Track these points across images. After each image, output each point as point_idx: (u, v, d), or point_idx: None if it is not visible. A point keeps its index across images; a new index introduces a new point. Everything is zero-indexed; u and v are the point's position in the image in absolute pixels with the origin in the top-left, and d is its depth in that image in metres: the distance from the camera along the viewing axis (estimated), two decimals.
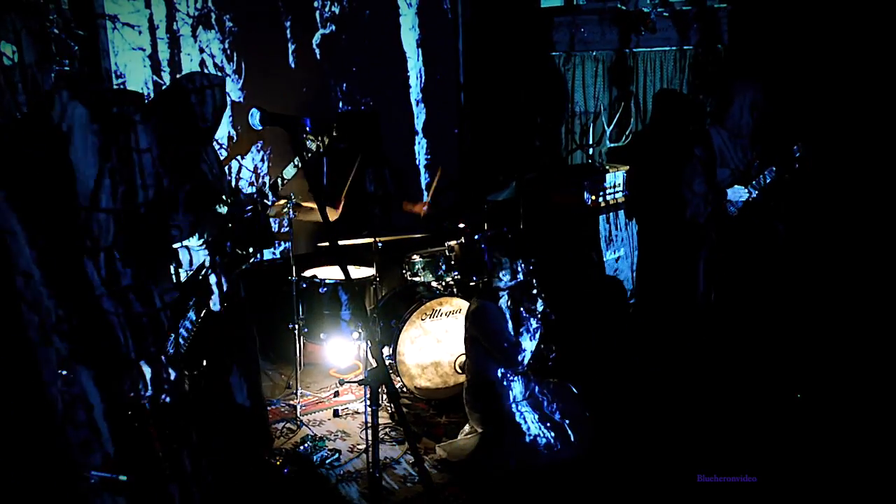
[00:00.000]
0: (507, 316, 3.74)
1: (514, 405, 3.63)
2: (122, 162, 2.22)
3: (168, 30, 4.59)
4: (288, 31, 5.12)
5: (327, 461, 3.61)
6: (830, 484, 3.22)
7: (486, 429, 3.68)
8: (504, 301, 3.76)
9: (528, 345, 3.68)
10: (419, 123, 5.89)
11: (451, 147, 6.05)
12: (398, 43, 5.68)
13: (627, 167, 5.30)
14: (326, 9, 5.25)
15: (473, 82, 6.07)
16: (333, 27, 5.30)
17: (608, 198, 5.16)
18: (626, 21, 5.46)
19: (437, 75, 5.87)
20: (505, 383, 3.66)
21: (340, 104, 5.40)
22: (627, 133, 5.47)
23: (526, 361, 3.68)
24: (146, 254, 2.33)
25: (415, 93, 5.84)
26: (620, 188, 5.28)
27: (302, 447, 3.62)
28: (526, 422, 3.60)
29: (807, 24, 4.92)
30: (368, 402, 2.24)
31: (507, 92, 5.84)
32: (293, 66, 5.15)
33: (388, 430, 3.97)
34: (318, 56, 5.27)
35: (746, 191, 4.45)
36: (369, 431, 3.40)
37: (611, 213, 5.30)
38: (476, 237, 4.40)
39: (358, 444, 3.83)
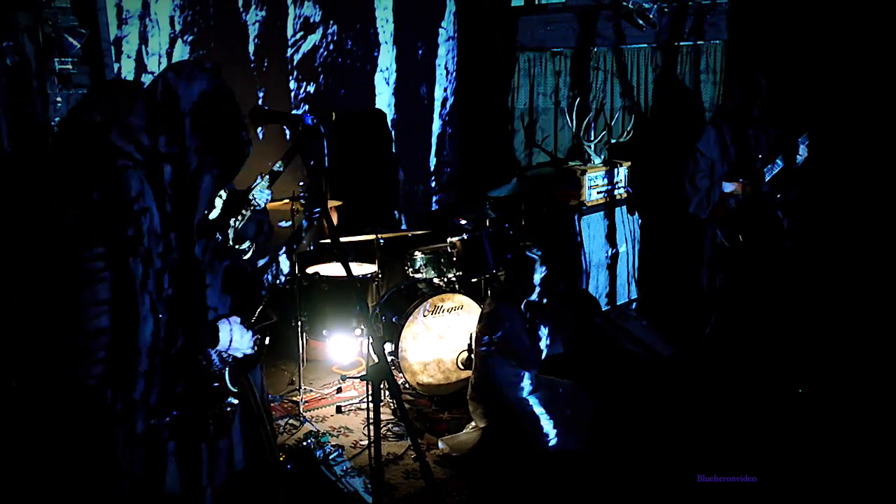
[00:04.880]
0: (524, 319, 3.80)
1: (523, 399, 3.66)
2: None
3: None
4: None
5: (330, 457, 3.63)
6: (830, 484, 3.23)
7: (489, 423, 3.71)
8: (522, 306, 3.83)
9: (543, 347, 3.80)
10: None
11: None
12: None
13: (629, 163, 5.29)
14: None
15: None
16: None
17: (600, 195, 5.16)
18: (625, 17, 5.44)
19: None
20: (514, 380, 3.67)
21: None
22: (628, 129, 5.46)
23: (540, 362, 3.76)
24: None
25: None
26: (621, 184, 5.27)
27: (305, 443, 3.64)
28: (535, 414, 3.63)
29: (808, 16, 4.90)
30: (370, 398, 2.24)
31: (495, 93, 5.84)
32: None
33: (390, 425, 3.99)
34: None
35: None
36: (372, 427, 3.42)
37: (615, 209, 5.29)
38: (478, 233, 4.41)
39: (360, 440, 3.86)
